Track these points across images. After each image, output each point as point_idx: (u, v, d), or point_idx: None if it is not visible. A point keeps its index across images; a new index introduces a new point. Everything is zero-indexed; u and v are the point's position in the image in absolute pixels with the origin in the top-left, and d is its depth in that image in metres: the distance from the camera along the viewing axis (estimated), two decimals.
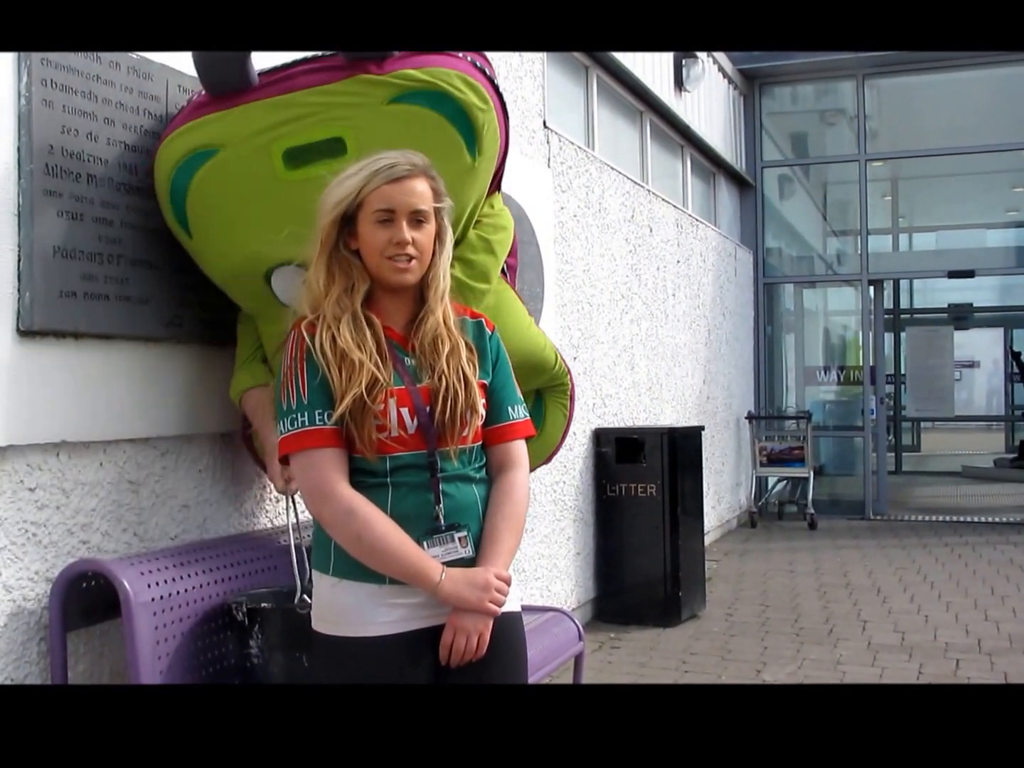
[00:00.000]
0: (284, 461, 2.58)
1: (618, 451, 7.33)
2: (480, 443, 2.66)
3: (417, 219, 2.57)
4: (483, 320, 2.76)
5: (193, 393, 3.48)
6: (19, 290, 2.86)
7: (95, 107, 3.11)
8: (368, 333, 2.55)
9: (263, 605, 3.17)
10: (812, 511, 11.37)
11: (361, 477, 2.52)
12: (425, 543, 2.51)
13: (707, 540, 8.74)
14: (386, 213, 2.55)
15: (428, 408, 2.55)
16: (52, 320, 2.94)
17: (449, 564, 2.51)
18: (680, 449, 7.36)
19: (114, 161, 3.16)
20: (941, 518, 11.98)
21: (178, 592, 3.12)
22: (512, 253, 3.47)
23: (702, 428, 8.13)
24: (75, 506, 3.09)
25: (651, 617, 7.13)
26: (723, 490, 11.13)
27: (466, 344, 2.65)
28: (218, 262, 3.24)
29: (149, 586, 3.02)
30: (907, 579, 8.56)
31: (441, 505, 2.53)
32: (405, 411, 2.53)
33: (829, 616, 7.32)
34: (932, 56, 11.71)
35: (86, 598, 3.02)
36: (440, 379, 2.56)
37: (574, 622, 4.39)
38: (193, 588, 3.19)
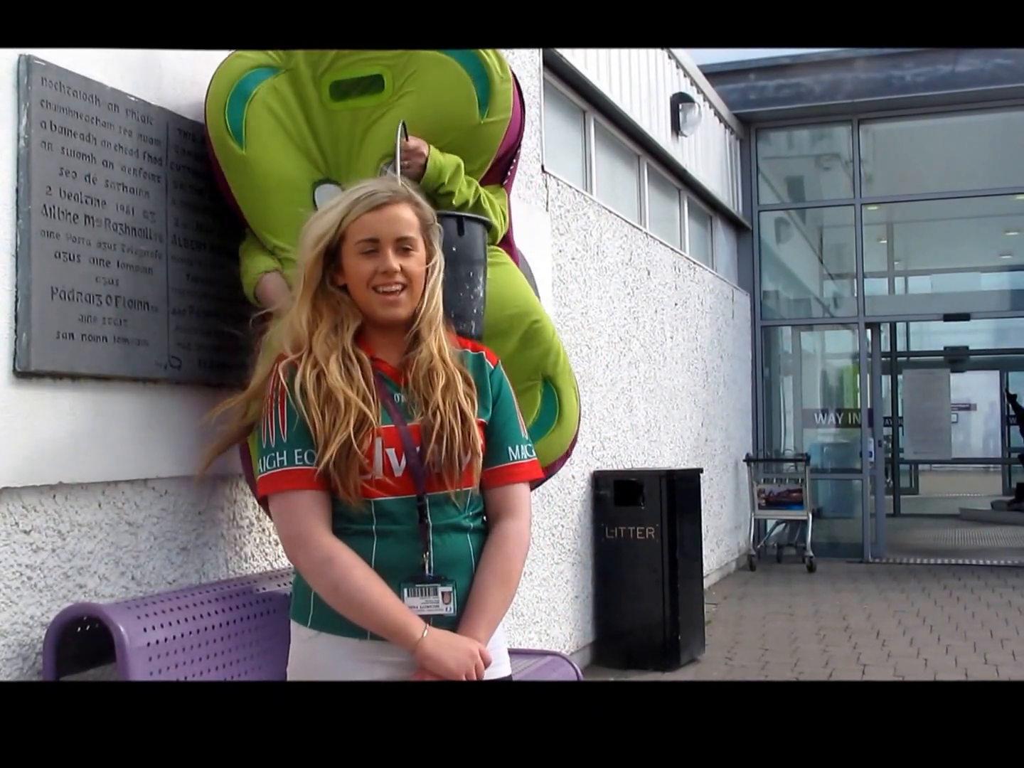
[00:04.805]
0: (263, 503, 2.46)
1: (617, 494, 7.30)
2: (476, 487, 2.47)
3: (404, 247, 2.45)
4: (484, 353, 2.60)
5: (192, 434, 3.46)
6: (16, 331, 2.85)
7: (94, 149, 3.11)
8: (357, 370, 2.39)
9: None
10: (811, 554, 11.31)
11: (344, 523, 2.37)
12: (405, 590, 2.34)
13: (706, 583, 8.70)
14: (370, 243, 2.43)
15: (418, 448, 2.38)
16: (49, 361, 2.92)
17: (427, 619, 2.34)
18: (679, 492, 7.32)
19: (112, 203, 3.16)
20: (939, 561, 11.93)
21: (174, 637, 3.08)
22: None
23: (701, 471, 8.11)
24: (71, 549, 3.06)
25: (650, 661, 7.07)
26: (722, 533, 11.09)
27: (464, 378, 2.49)
28: (270, 169, 3.38)
29: (145, 630, 2.98)
30: (906, 622, 8.52)
31: (429, 553, 2.36)
32: (392, 452, 2.37)
33: (828, 659, 7.27)
34: (925, 101, 11.82)
35: (81, 643, 2.98)
36: (434, 415, 2.38)
37: (573, 666, 4.35)
38: (190, 633, 3.16)
